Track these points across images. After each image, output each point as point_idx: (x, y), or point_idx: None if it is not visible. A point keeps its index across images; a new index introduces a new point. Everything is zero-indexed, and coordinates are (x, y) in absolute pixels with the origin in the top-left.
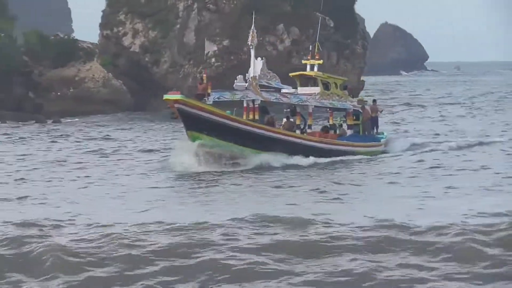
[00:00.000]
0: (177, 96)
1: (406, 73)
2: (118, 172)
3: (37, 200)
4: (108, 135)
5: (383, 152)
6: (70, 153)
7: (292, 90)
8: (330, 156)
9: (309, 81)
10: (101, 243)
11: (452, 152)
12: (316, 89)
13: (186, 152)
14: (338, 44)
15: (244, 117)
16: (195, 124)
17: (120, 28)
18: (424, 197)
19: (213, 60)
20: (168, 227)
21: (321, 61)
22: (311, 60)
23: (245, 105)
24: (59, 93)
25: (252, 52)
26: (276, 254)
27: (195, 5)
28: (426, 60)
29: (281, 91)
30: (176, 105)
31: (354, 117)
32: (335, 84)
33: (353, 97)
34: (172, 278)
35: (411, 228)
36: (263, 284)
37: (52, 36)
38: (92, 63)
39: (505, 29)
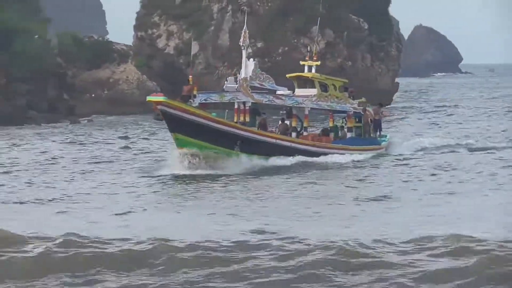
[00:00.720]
0: (160, 98)
1: (440, 75)
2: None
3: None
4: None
5: (385, 154)
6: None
7: (288, 92)
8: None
9: (307, 82)
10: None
11: (455, 155)
12: (313, 91)
13: (174, 157)
14: (373, 46)
15: (235, 119)
16: (179, 126)
17: (155, 30)
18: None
19: None
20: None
21: (318, 62)
22: (309, 61)
23: (236, 107)
24: (93, 95)
25: (244, 53)
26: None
27: (229, 7)
28: (460, 62)
29: (276, 93)
30: (159, 107)
31: (357, 120)
32: (334, 86)
33: (353, 99)
34: None
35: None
36: None
37: (86, 38)
38: (126, 65)
39: None
